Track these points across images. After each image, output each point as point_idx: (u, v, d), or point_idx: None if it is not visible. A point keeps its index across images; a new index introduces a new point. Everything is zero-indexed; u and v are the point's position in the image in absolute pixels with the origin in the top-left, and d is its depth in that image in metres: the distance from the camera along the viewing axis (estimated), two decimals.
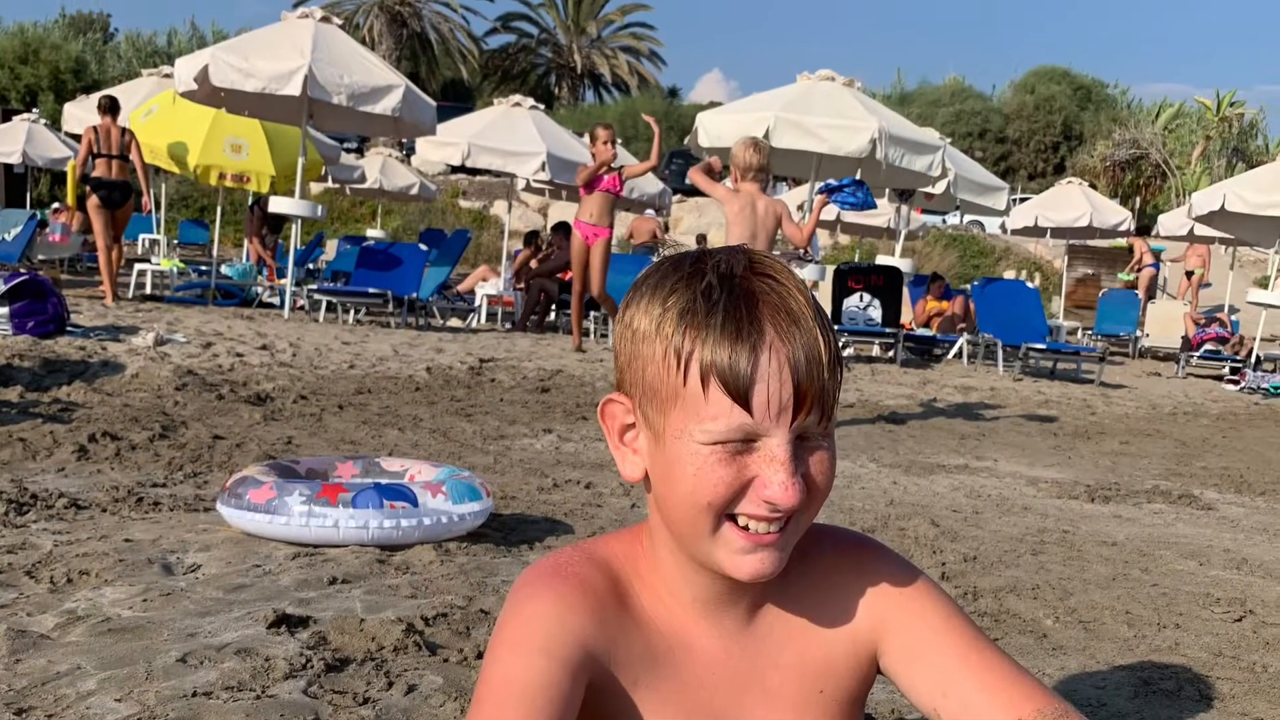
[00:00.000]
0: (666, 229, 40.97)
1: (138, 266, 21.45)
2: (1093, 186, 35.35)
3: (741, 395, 1.67)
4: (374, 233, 35.18)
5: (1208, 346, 23.98)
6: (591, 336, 19.42)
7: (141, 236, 30.82)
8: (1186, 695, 4.24)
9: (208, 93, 18.46)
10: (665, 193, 32.32)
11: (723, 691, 1.92)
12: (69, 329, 13.17)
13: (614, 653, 1.87)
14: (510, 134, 24.05)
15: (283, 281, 20.32)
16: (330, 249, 33.00)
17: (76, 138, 23.59)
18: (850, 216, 29.90)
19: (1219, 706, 4.14)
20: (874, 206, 12.55)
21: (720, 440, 1.70)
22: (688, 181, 12.43)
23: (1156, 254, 34.13)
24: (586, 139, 19.29)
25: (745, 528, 1.76)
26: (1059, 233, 32.14)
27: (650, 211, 34.07)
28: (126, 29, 72.25)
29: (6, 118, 35.31)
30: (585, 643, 1.83)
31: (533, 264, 22.77)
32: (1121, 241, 37.23)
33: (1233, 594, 5.88)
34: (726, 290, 1.73)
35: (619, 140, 17.88)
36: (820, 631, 1.99)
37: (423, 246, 21.62)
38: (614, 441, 1.89)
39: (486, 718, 1.74)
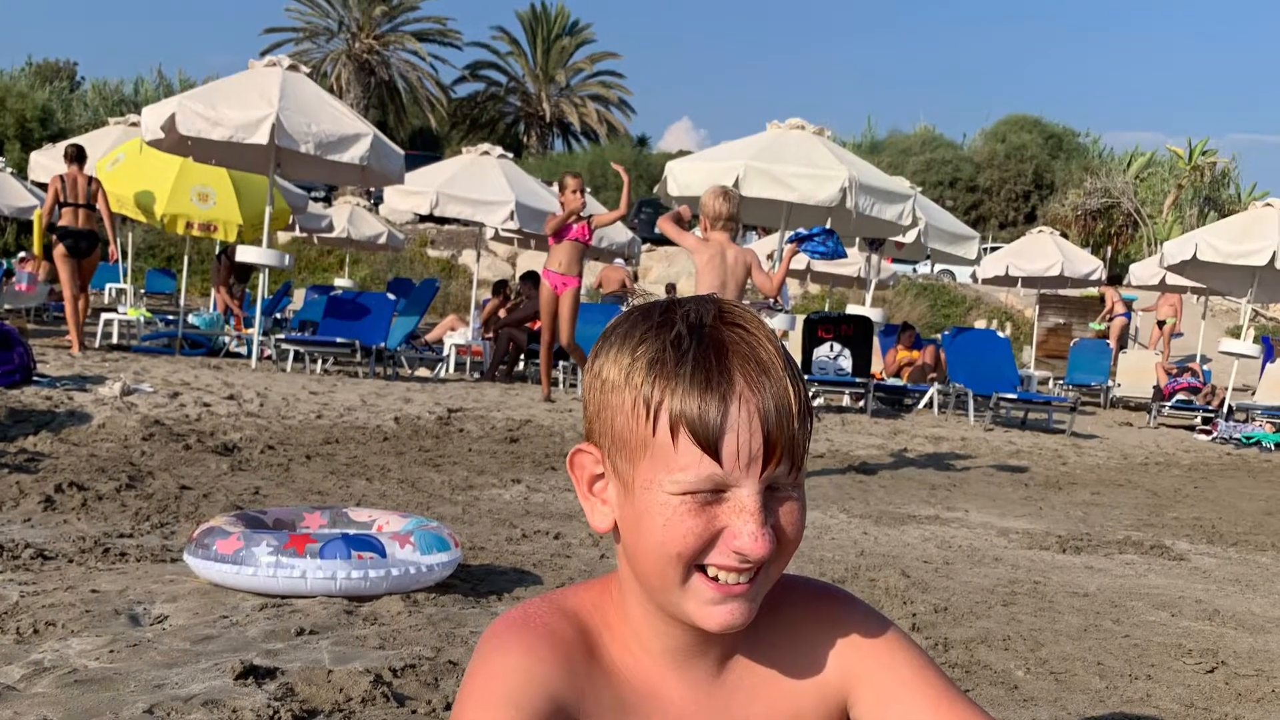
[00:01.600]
0: (636, 278, 41.04)
1: (104, 316, 21.38)
2: (1064, 235, 35.49)
3: (711, 445, 1.66)
4: (342, 282, 35.12)
5: (1180, 396, 24.02)
6: (560, 386, 19.40)
7: (108, 286, 30.72)
8: None
9: (175, 141, 18.41)
10: (634, 242, 32.35)
11: None
12: (35, 379, 13.09)
13: (583, 704, 1.85)
14: (479, 183, 24.04)
15: (250, 331, 20.28)
16: (298, 298, 32.91)
17: (43, 186, 23.57)
18: (820, 266, 29.97)
19: None
20: (844, 255, 12.56)
21: (690, 491, 1.69)
22: (657, 230, 12.43)
23: (1128, 303, 34.25)
24: (555, 188, 19.30)
25: (715, 578, 1.74)
26: (1030, 282, 32.18)
27: (619, 261, 34.11)
28: (93, 77, 72.13)
29: None
30: (554, 695, 1.81)
31: (501, 313, 22.75)
32: (1093, 291, 37.41)
33: (1205, 645, 5.87)
34: (696, 340, 1.72)
35: (588, 189, 17.89)
36: (790, 683, 1.97)
37: (391, 296, 21.58)
38: (583, 492, 1.87)
39: None
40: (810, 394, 20.21)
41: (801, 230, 11.67)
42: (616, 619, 1.93)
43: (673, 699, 1.91)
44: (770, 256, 19.82)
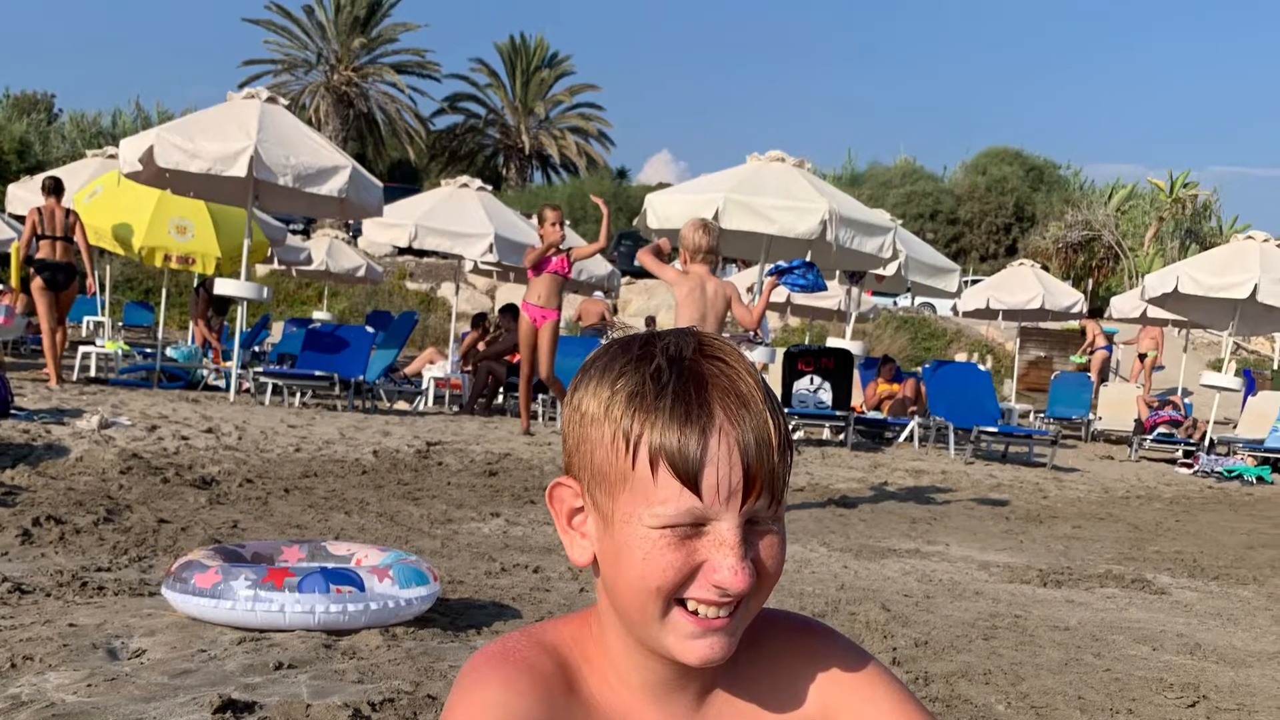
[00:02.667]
0: (615, 311, 41.04)
1: (82, 349, 21.35)
2: (1045, 268, 35.50)
3: (691, 479, 1.65)
4: (320, 315, 35.11)
5: (1161, 429, 24.05)
6: (540, 419, 19.39)
7: (86, 319, 30.68)
8: None
9: (153, 174, 18.38)
10: (614, 274, 32.34)
11: None
12: (13, 412, 13.06)
13: None
14: (458, 215, 24.03)
15: (228, 364, 20.25)
16: (276, 331, 32.86)
17: (20, 219, 23.49)
18: (800, 298, 29.96)
19: None
20: (824, 288, 12.58)
21: (669, 524, 1.68)
22: (636, 263, 12.42)
23: (1109, 336, 34.29)
24: (535, 220, 19.30)
25: (695, 612, 1.73)
26: (1011, 315, 32.20)
27: (599, 294, 34.09)
28: (71, 110, 71.89)
29: None
30: None
31: (480, 346, 22.75)
32: (1074, 324, 37.41)
33: (1186, 679, 5.87)
34: (676, 373, 1.71)
35: (567, 221, 17.90)
36: (770, 716, 1.96)
37: (369, 329, 21.58)
38: (562, 526, 1.86)
39: None
40: (790, 427, 20.32)
41: (781, 263, 11.66)
42: (596, 653, 1.92)
43: (649, 713, 1.90)
44: (750, 289, 19.80)
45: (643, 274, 43.06)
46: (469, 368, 22.13)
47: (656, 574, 1.70)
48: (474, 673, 1.85)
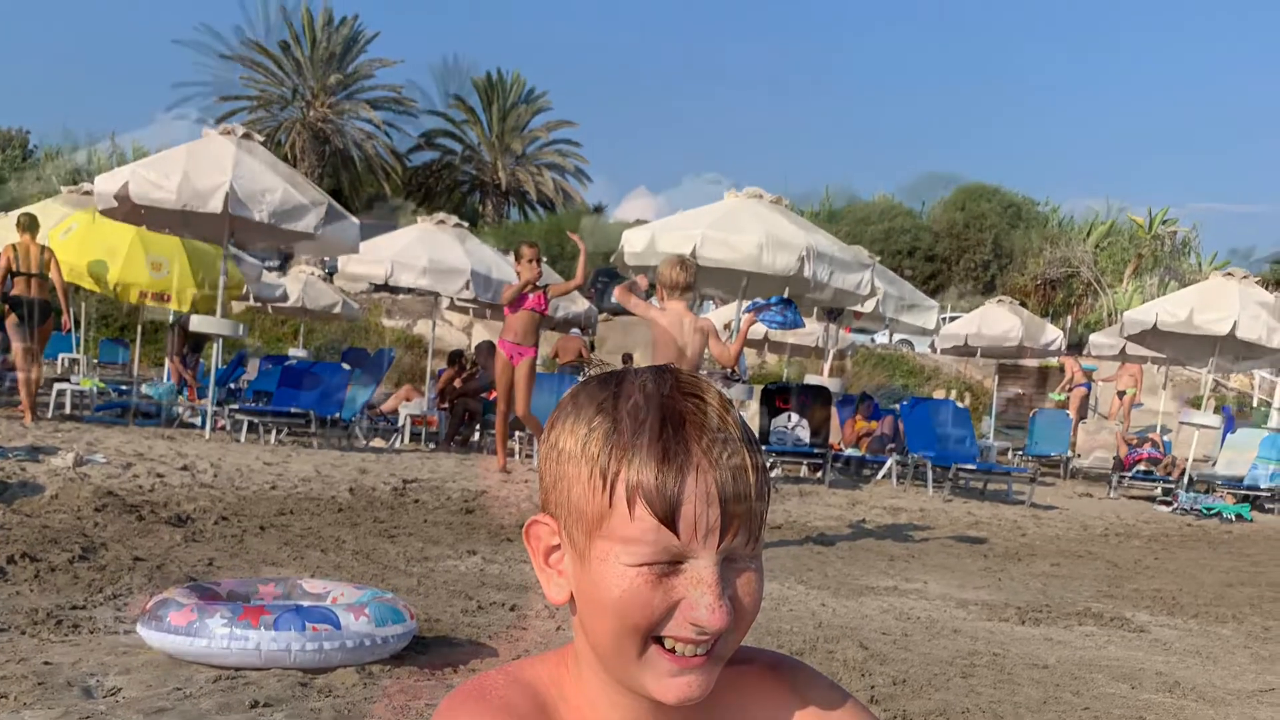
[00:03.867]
0: (592, 348, 41.02)
1: (57, 386, 21.30)
2: (1023, 305, 35.57)
3: (668, 517, 1.65)
4: (296, 352, 35.05)
5: (1140, 467, 24.08)
6: (516, 457, 19.36)
7: (61, 356, 30.59)
8: None
9: (128, 210, 18.35)
10: (591, 311, 32.36)
11: None
12: None
13: None
14: (434, 252, 24.04)
15: (204, 401, 20.21)
16: (252, 368, 32.80)
17: None
18: (778, 335, 30.01)
19: None
20: (802, 325, 12.59)
21: (647, 562, 1.67)
22: (614, 300, 12.44)
23: (1088, 373, 34.34)
24: (511, 256, 19.29)
25: (672, 650, 1.73)
26: (989, 352, 32.19)
27: (576, 330, 34.10)
28: (46, 146, 71.76)
29: None
30: None
31: (457, 383, 22.72)
32: (1053, 361, 37.48)
33: (1165, 718, 5.87)
34: (653, 410, 1.71)
35: (544, 258, 17.90)
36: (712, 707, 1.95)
37: (346, 366, 21.54)
38: (539, 563, 1.86)
39: None
40: (769, 464, 20.24)
41: (759, 300, 11.69)
42: (572, 690, 1.91)
43: None
44: (727, 326, 19.84)
45: (620, 311, 43.07)
46: (445, 405, 22.10)
47: (633, 612, 1.69)
48: (449, 712, 1.85)
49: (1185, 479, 22.88)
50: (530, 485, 15.28)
